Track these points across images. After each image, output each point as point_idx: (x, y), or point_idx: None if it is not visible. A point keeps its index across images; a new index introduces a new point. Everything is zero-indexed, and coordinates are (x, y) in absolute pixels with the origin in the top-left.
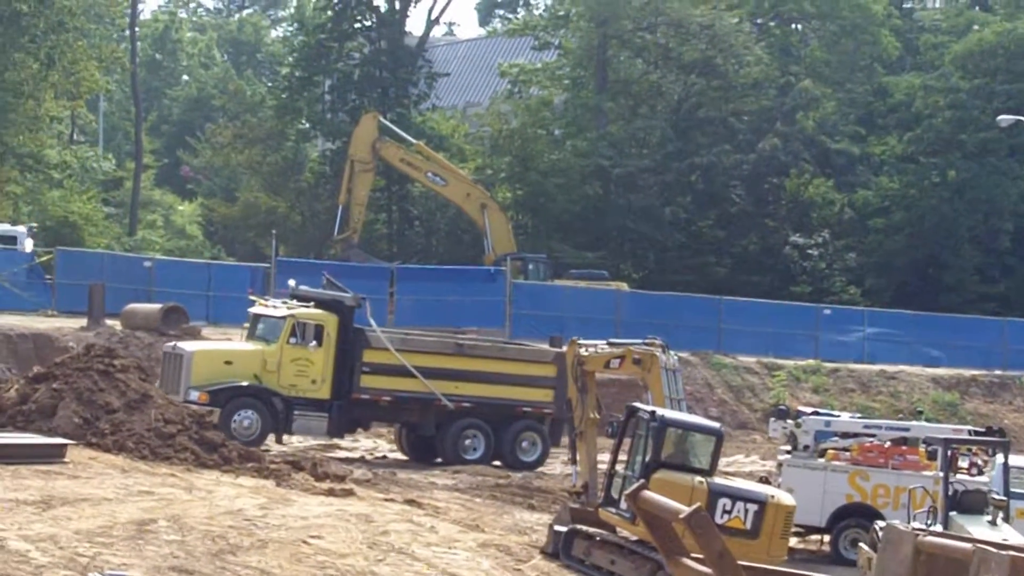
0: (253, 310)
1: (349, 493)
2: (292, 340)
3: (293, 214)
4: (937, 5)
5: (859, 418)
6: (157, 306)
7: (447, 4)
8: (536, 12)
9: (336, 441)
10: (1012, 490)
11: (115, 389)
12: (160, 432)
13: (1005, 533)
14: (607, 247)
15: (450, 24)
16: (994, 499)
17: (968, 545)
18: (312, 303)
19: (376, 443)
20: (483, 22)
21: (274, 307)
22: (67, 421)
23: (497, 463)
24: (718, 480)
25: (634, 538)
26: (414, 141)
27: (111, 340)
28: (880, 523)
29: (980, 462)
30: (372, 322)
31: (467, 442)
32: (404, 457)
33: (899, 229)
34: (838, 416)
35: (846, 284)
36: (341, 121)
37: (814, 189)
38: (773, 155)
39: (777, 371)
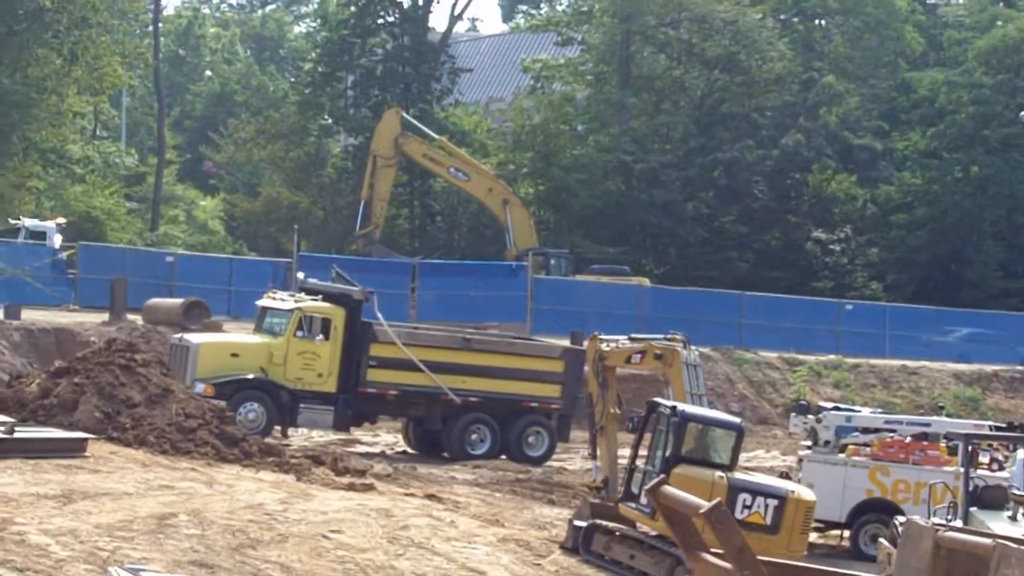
0: (260, 303)
1: (369, 488)
2: (299, 333)
3: (315, 209)
4: (961, 1)
5: (880, 413)
6: (179, 301)
7: (470, 0)
8: (559, 8)
9: (356, 436)
10: None
11: (136, 384)
12: (181, 427)
13: None
14: (629, 242)
15: (473, 20)
16: (1015, 495)
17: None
18: (320, 296)
19: (396, 438)
20: (506, 18)
21: (281, 300)
22: (88, 415)
23: (503, 458)
24: (738, 475)
25: (654, 533)
26: (436, 136)
27: (133, 335)
28: (900, 518)
29: (1001, 457)
30: (379, 316)
31: (473, 437)
32: (411, 451)
33: (921, 225)
34: (859, 411)
35: (868, 279)
36: (364, 117)
37: (837, 185)
38: (796, 151)
39: (798, 366)
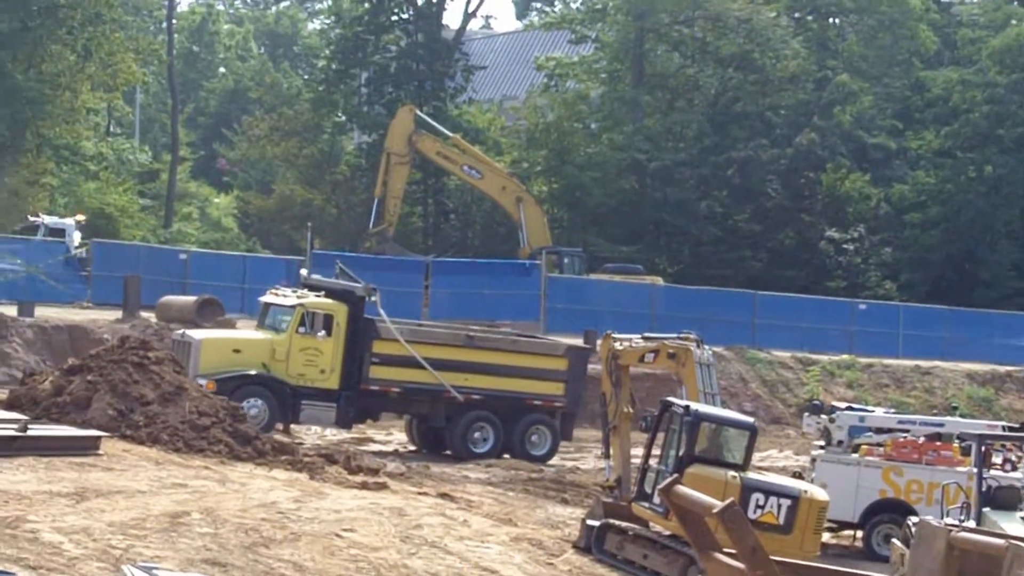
0: (264, 299)
1: (382, 486)
2: (301, 329)
3: (329, 207)
4: (975, 0)
5: (893, 413)
6: (192, 298)
7: None
8: (573, 6)
9: (369, 434)
10: None
11: (149, 381)
12: (194, 424)
13: None
14: (642, 241)
15: (487, 17)
16: None
17: (1002, 541)
18: (322, 292)
19: None
20: (520, 15)
21: (284, 296)
22: (101, 413)
23: (506, 456)
24: (751, 475)
25: (667, 533)
26: (450, 134)
27: (146, 332)
28: (913, 519)
29: (1014, 458)
30: (382, 312)
31: (476, 435)
32: (415, 448)
33: (935, 224)
34: (872, 411)
35: (881, 279)
36: (377, 114)
37: (850, 184)
38: (810, 149)
39: (811, 366)
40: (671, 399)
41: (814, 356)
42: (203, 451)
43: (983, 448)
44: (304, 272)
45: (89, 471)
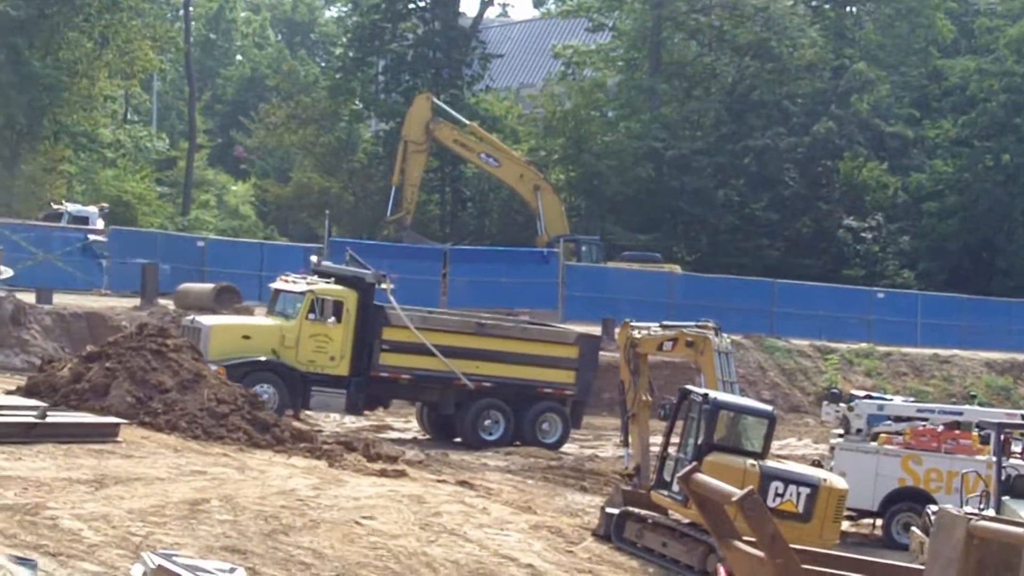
0: (274, 285)
1: (401, 474)
2: (311, 316)
3: (346, 195)
4: None
5: (912, 402)
6: (210, 286)
7: None
8: None
9: (388, 422)
10: None
11: (168, 368)
12: (213, 412)
13: None
14: (660, 229)
15: (504, 5)
16: None
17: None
18: (332, 279)
19: None
20: (537, 3)
21: (294, 282)
22: (120, 400)
23: (517, 444)
24: (770, 463)
25: (686, 521)
26: (467, 122)
27: (164, 319)
28: (932, 507)
29: None
30: (392, 299)
31: (487, 422)
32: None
33: (953, 213)
34: (891, 400)
35: (899, 267)
36: (395, 102)
37: (868, 172)
38: (827, 138)
39: (830, 354)
40: (690, 387)
41: (832, 344)
42: (222, 438)
43: (1002, 436)
44: (314, 258)
45: (108, 458)
